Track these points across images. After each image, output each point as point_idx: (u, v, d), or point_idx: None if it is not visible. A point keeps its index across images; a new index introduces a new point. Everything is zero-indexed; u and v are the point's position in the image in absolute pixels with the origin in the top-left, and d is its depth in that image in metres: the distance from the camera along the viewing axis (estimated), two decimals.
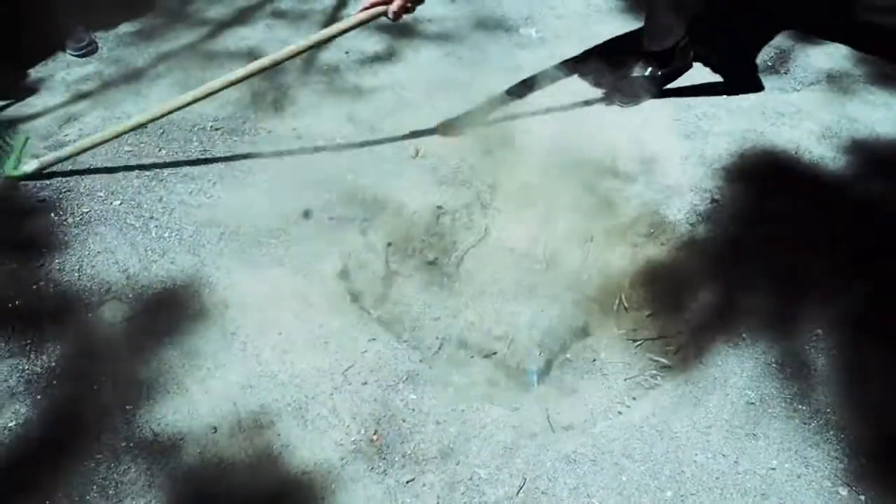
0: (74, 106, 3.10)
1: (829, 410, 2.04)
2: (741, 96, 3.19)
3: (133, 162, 2.79)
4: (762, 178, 2.78)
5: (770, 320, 2.29)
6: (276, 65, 2.61)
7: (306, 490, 1.86)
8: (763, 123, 3.03)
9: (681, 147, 2.93)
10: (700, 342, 2.32)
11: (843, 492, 1.86)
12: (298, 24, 3.72)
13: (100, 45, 3.51)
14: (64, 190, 2.66)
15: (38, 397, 2.04)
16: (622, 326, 2.65)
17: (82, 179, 2.71)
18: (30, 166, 2.65)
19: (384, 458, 1.93)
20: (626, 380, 2.43)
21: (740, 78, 3.32)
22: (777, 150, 2.90)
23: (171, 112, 2.65)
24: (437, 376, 2.17)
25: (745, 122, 3.04)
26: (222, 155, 2.86)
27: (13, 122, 2.98)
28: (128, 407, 2.02)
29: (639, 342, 2.56)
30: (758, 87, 3.24)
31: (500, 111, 3.13)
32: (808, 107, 3.13)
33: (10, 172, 2.65)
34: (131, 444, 1.94)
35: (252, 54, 3.46)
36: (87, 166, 2.77)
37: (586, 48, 3.51)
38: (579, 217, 2.79)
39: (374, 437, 1.98)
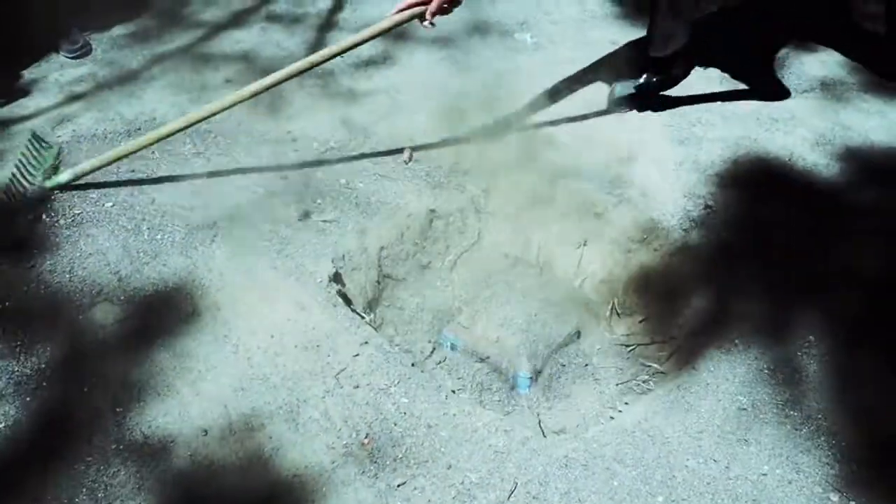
0: (68, 107, 3.09)
1: (820, 416, 2.04)
2: (735, 103, 3.19)
3: (125, 164, 2.78)
4: (756, 185, 2.79)
5: (762, 326, 2.29)
6: (313, 67, 2.58)
7: (297, 493, 1.86)
8: (757, 130, 3.04)
9: (675, 153, 2.93)
10: (692, 348, 2.32)
11: (835, 497, 1.86)
12: (293, 28, 3.72)
13: (94, 46, 3.50)
14: (56, 191, 2.65)
15: (28, 399, 2.02)
16: (615, 332, 2.65)
17: (75, 181, 2.70)
18: (63, 177, 2.62)
19: (375, 462, 1.93)
20: (618, 385, 2.43)
21: (734, 84, 3.33)
22: (771, 157, 2.91)
23: (214, 114, 2.62)
24: (429, 380, 2.17)
25: (739, 129, 3.05)
26: (216, 157, 2.86)
27: (7, 123, 2.97)
28: (118, 409, 2.01)
29: (631, 347, 2.57)
30: (752, 94, 3.25)
31: (492, 115, 3.12)
32: (802, 114, 3.14)
33: (45, 183, 2.63)
34: (121, 447, 1.93)
35: (247, 57, 3.47)
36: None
37: (581, 54, 3.52)
38: (573, 222, 2.79)
39: (366, 441, 1.97)
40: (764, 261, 2.48)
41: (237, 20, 3.79)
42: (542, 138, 3.01)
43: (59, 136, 2.89)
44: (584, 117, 3.14)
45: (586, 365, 2.45)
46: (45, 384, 2.06)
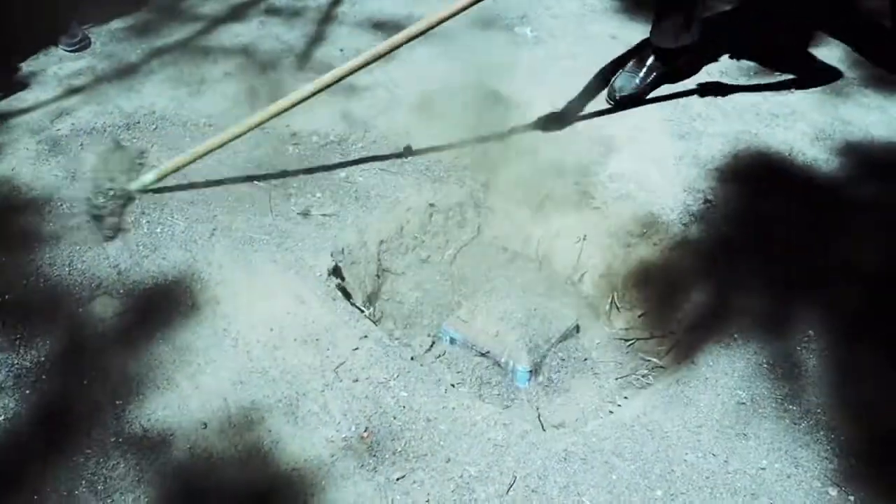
0: (67, 101, 3.08)
1: (819, 411, 2.04)
2: (735, 97, 3.19)
3: None
4: (756, 180, 2.78)
5: (762, 321, 2.29)
6: (381, 57, 2.61)
7: (296, 486, 1.86)
8: (757, 125, 3.04)
9: (674, 147, 2.93)
10: (692, 342, 2.32)
11: (833, 492, 1.86)
12: (292, 22, 3.72)
13: (93, 40, 3.50)
14: (55, 185, 2.65)
15: (28, 392, 2.02)
16: (614, 326, 2.65)
17: (75, 173, 2.70)
18: (148, 178, 2.61)
19: (374, 456, 1.93)
20: (617, 379, 2.43)
21: (734, 79, 3.33)
22: (771, 152, 2.90)
23: (287, 109, 2.62)
24: (428, 374, 2.17)
25: (739, 124, 3.04)
26: (215, 150, 2.85)
27: (5, 117, 2.97)
28: (118, 402, 2.01)
29: (631, 342, 2.57)
30: (752, 88, 3.25)
31: (492, 109, 3.12)
32: (802, 108, 3.13)
33: (130, 186, 2.61)
34: (121, 440, 1.93)
35: (246, 51, 3.46)
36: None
37: (582, 48, 3.51)
38: (572, 216, 2.79)
39: (365, 434, 1.97)
40: (764, 255, 2.48)
41: (236, 13, 3.78)
42: (541, 132, 3.00)
43: (58, 130, 2.89)
44: (585, 111, 3.13)
45: (585, 359, 2.45)
46: (44, 377, 2.06)
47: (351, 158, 2.88)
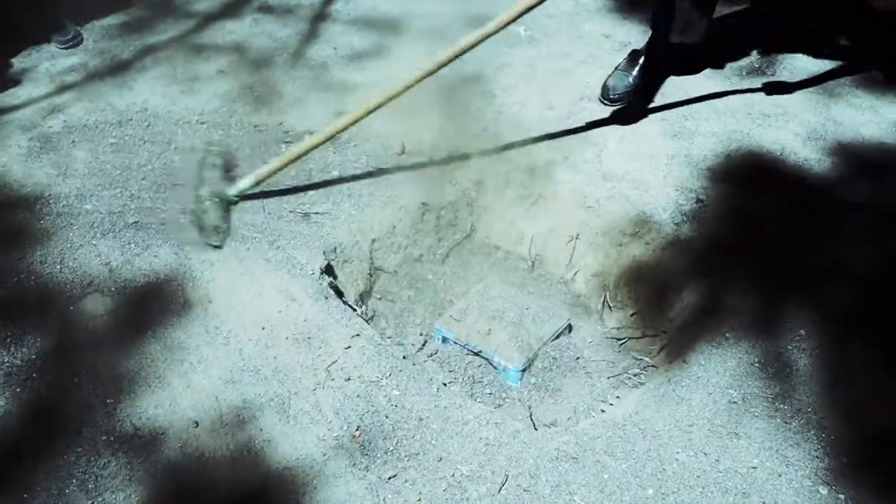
0: (59, 97, 3.07)
1: (810, 410, 2.05)
2: (728, 97, 3.20)
3: (117, 154, 2.78)
4: (748, 179, 2.79)
5: (753, 320, 2.29)
6: (462, 54, 2.60)
7: (288, 485, 1.86)
8: (749, 124, 3.04)
9: (667, 147, 2.93)
10: (683, 341, 2.32)
11: (823, 490, 1.87)
12: (285, 19, 3.71)
13: (85, 36, 3.49)
14: (47, 182, 2.64)
15: (18, 390, 2.02)
16: (606, 325, 2.66)
17: (66, 171, 2.69)
18: (244, 183, 2.59)
19: (366, 454, 1.93)
20: (609, 378, 2.44)
21: (727, 79, 3.33)
22: (763, 152, 2.91)
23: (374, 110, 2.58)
24: (420, 373, 2.17)
25: (731, 123, 3.05)
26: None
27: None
28: (109, 401, 2.01)
29: (623, 341, 2.57)
30: (745, 89, 3.26)
31: (486, 108, 3.12)
32: (794, 109, 3.14)
33: (228, 191, 2.59)
34: (112, 438, 1.92)
35: (239, 48, 3.45)
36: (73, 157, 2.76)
37: (575, 47, 3.52)
38: (565, 215, 2.79)
39: (357, 433, 1.97)
40: (755, 255, 2.49)
41: (229, 11, 3.77)
42: (534, 132, 3.01)
43: (49, 127, 2.88)
44: (577, 110, 3.13)
45: (578, 358, 2.46)
46: (35, 375, 2.06)
47: (344, 156, 2.87)
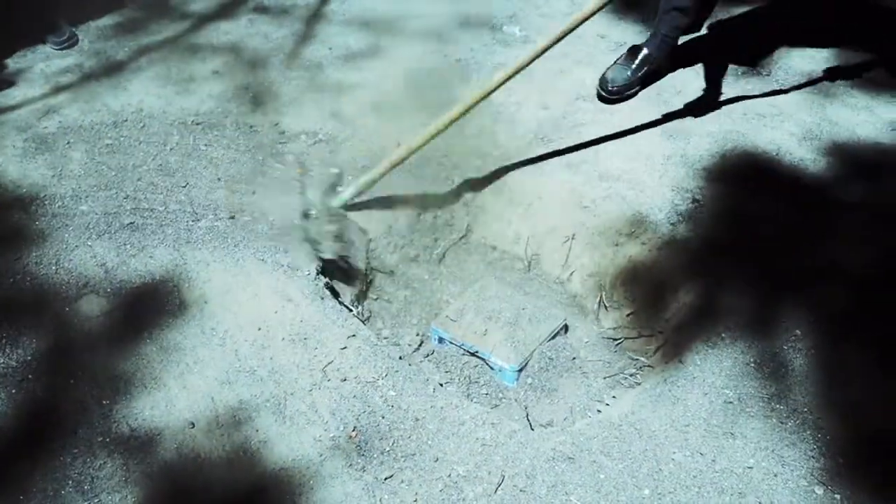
0: (54, 98, 3.07)
1: (806, 410, 2.05)
2: (724, 97, 3.20)
3: (112, 155, 2.77)
4: (743, 179, 2.79)
5: (749, 320, 2.30)
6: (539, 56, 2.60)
7: (284, 486, 1.85)
8: (745, 125, 3.05)
9: (663, 146, 2.94)
10: (679, 341, 2.33)
11: (819, 490, 1.87)
12: (281, 20, 3.71)
13: (80, 37, 3.48)
14: (42, 183, 2.64)
15: (14, 391, 2.01)
16: (602, 325, 2.66)
17: (61, 171, 2.68)
18: (346, 194, 2.61)
19: (363, 455, 1.93)
20: (605, 378, 2.44)
21: (723, 79, 3.34)
22: (758, 152, 2.91)
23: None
24: (416, 373, 2.17)
25: (727, 123, 3.05)
26: (203, 149, 2.84)
27: None
28: (105, 402, 2.00)
29: (619, 341, 2.57)
30: (740, 89, 3.26)
31: (481, 108, 3.12)
32: (790, 109, 3.14)
33: (336, 203, 2.61)
34: (108, 439, 1.92)
35: (234, 49, 3.45)
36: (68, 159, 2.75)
37: (571, 47, 3.52)
38: (561, 215, 2.79)
39: (353, 434, 1.97)
40: (751, 255, 2.49)
41: (224, 11, 3.77)
42: (530, 131, 3.01)
43: (45, 128, 2.87)
44: (573, 109, 3.14)
45: (574, 358, 2.46)
46: (30, 376, 2.05)
47: (340, 156, 2.87)
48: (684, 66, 3.37)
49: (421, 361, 2.44)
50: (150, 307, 2.25)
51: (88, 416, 1.97)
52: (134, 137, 2.88)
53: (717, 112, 3.12)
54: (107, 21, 3.64)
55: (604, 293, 2.69)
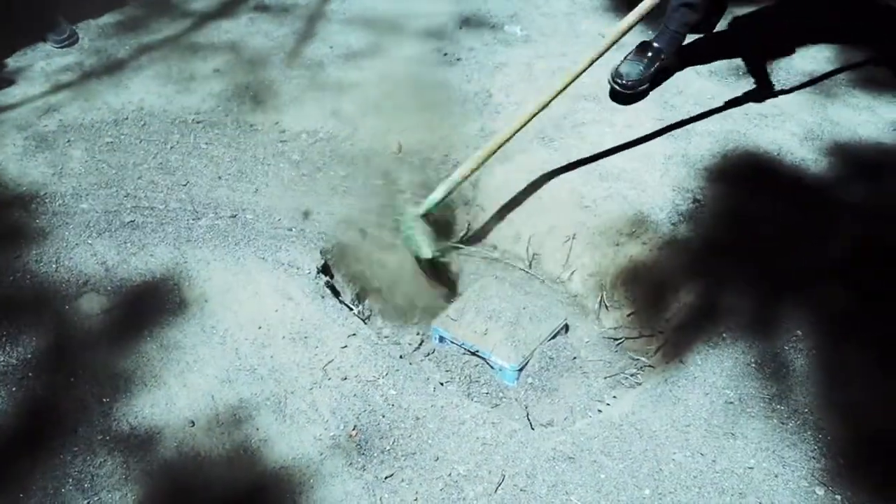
0: (54, 97, 3.07)
1: (807, 411, 2.05)
2: (725, 97, 3.19)
3: (113, 153, 2.77)
4: (744, 179, 2.79)
5: (750, 320, 2.29)
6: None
7: (284, 485, 1.85)
8: (746, 125, 3.04)
9: (664, 146, 2.93)
10: (680, 341, 2.32)
11: (820, 491, 1.87)
12: (281, 18, 3.71)
13: (81, 35, 3.48)
14: (42, 181, 2.64)
15: (14, 389, 2.01)
16: (603, 325, 2.65)
17: (62, 170, 2.68)
18: (432, 199, 2.59)
19: (363, 454, 1.92)
20: (606, 378, 2.44)
21: (724, 79, 3.33)
22: (759, 152, 2.91)
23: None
24: (417, 372, 2.17)
25: (728, 123, 3.05)
26: (203, 148, 2.84)
27: None
28: (105, 400, 2.00)
29: (620, 341, 2.57)
30: (742, 89, 3.26)
31: (484, 109, 3.12)
32: (791, 109, 3.14)
33: (422, 210, 2.59)
34: (108, 437, 1.92)
35: (234, 48, 3.45)
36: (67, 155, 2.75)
37: (572, 46, 3.51)
38: (562, 215, 2.79)
39: (353, 433, 1.97)
40: (752, 255, 2.49)
41: (225, 10, 3.77)
42: (531, 132, 3.00)
43: (45, 126, 2.87)
44: (574, 110, 3.13)
45: (574, 358, 2.45)
46: (30, 374, 2.05)
47: (340, 155, 2.87)
48: (686, 66, 3.36)
49: (421, 360, 2.44)
50: (150, 305, 2.25)
51: (88, 415, 1.97)
52: (134, 136, 2.88)
53: (718, 112, 3.12)
54: (107, 19, 3.63)
55: (604, 293, 2.69)
